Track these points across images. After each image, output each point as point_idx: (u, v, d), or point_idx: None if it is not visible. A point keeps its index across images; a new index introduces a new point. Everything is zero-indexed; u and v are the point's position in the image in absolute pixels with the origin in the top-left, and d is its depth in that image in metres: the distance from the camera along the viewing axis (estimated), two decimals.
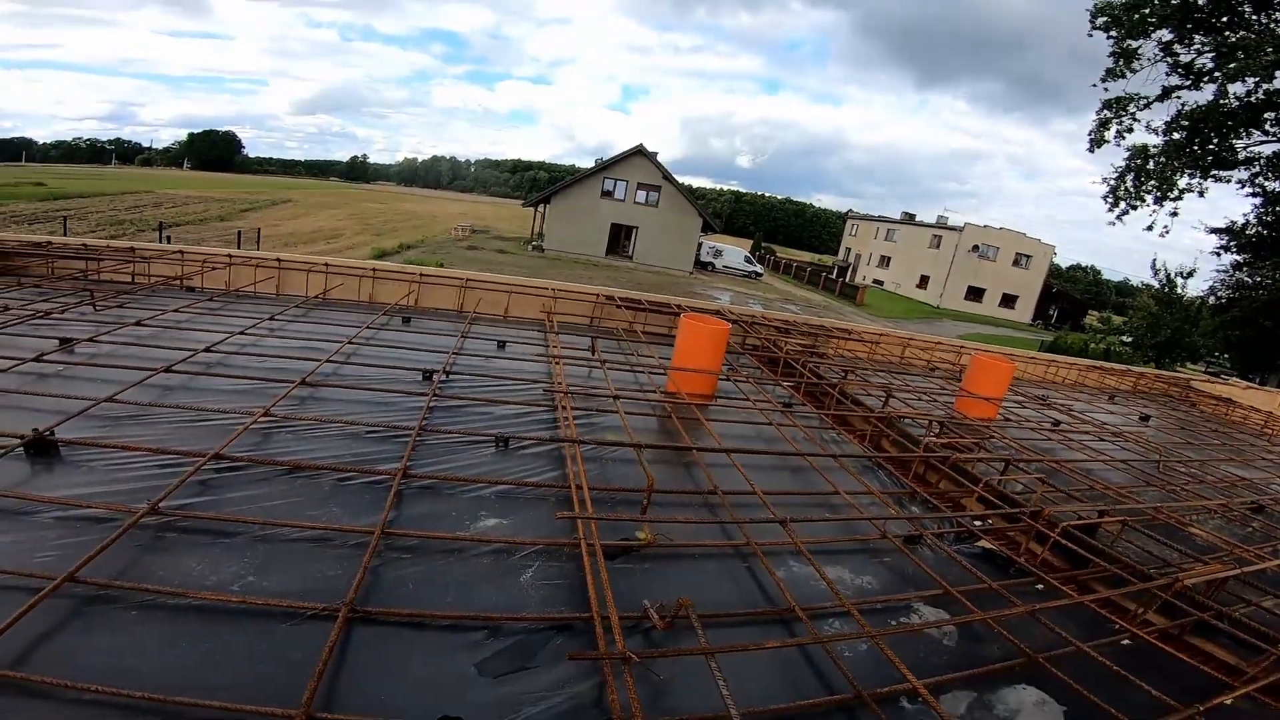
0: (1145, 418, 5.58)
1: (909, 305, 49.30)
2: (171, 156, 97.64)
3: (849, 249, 66.68)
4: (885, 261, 59.58)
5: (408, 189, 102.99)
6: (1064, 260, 69.33)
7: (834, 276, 53.21)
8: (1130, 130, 22.24)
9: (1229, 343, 29.75)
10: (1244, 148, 21.03)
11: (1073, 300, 55.65)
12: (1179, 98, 20.90)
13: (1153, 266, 28.13)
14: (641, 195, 37.72)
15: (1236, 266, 23.06)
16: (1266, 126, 20.30)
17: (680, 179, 43.46)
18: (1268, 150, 20.76)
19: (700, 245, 42.22)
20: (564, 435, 2.88)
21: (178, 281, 4.79)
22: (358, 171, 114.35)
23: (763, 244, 68.77)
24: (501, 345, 4.22)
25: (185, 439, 2.52)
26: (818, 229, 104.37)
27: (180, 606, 1.64)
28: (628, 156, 37.28)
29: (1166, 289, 27.70)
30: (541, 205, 38.81)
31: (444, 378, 3.44)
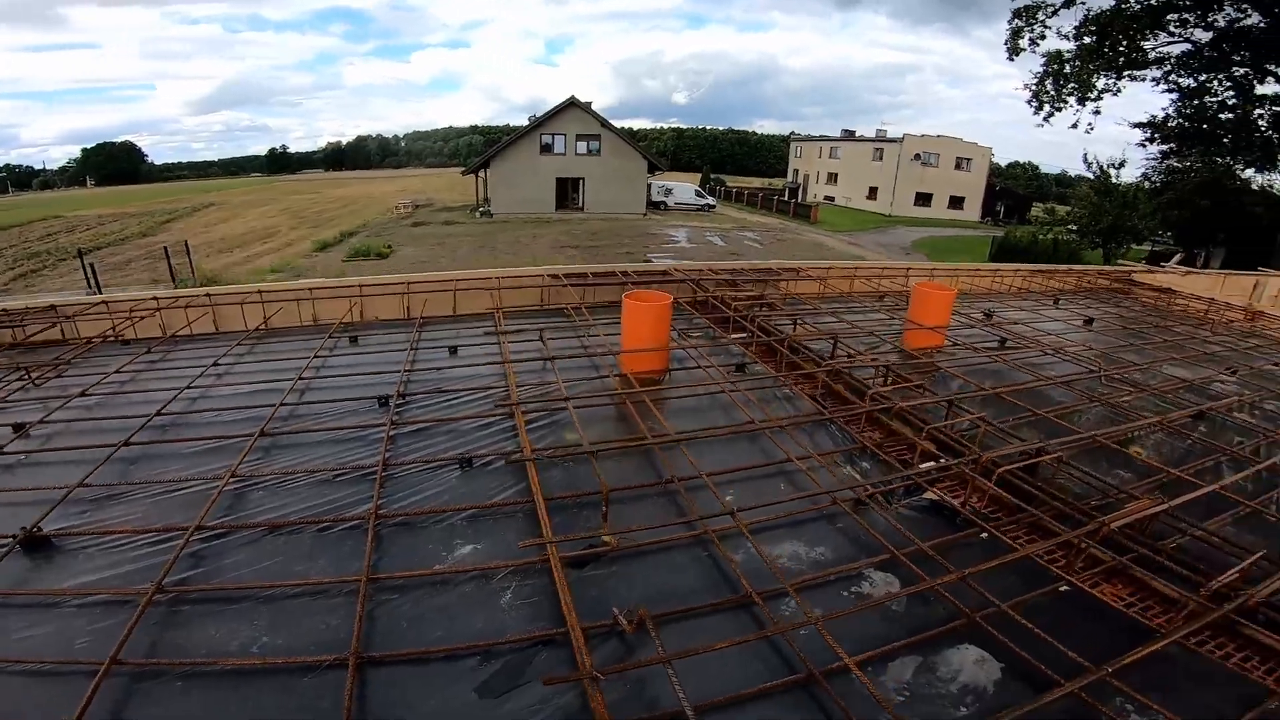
0: (1089, 321, 5.86)
1: (862, 217, 49.94)
2: (71, 176, 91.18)
3: (796, 170, 66.92)
4: (833, 178, 60.34)
5: (337, 174, 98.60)
6: (1002, 159, 70.27)
7: (786, 199, 53.61)
8: (1043, 37, 22.66)
9: (1168, 223, 31.04)
10: (1153, 49, 21.49)
11: (1017, 196, 56.94)
12: (1084, 3, 21.12)
13: (1084, 160, 29.28)
14: (582, 146, 37.02)
15: (1164, 155, 23.77)
16: (1171, 28, 20.68)
17: (619, 123, 42.66)
18: (1177, 50, 21.23)
19: (650, 186, 41.84)
20: (522, 449, 2.97)
21: (110, 335, 4.66)
22: (280, 163, 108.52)
23: (711, 176, 68.11)
24: (453, 351, 4.24)
25: (163, 513, 2.59)
26: (764, 154, 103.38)
27: (216, 673, 1.84)
28: (562, 110, 36.34)
29: (1102, 180, 28.65)
30: (482, 170, 37.69)
31: (400, 400, 3.49)
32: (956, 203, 54.82)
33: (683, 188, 46.20)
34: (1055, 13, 21.86)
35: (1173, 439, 3.46)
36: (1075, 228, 30.51)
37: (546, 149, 36.49)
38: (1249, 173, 25.03)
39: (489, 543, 2.45)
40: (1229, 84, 20.74)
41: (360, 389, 3.65)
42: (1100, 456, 3.21)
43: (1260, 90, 20.44)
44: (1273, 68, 19.67)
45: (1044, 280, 7.37)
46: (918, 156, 52.21)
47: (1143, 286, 7.45)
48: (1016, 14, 22.40)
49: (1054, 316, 5.98)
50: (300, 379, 3.75)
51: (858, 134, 61.07)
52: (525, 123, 40.65)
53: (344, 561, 2.31)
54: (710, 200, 46.68)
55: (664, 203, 43.68)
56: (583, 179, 37.62)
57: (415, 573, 2.24)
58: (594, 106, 37.45)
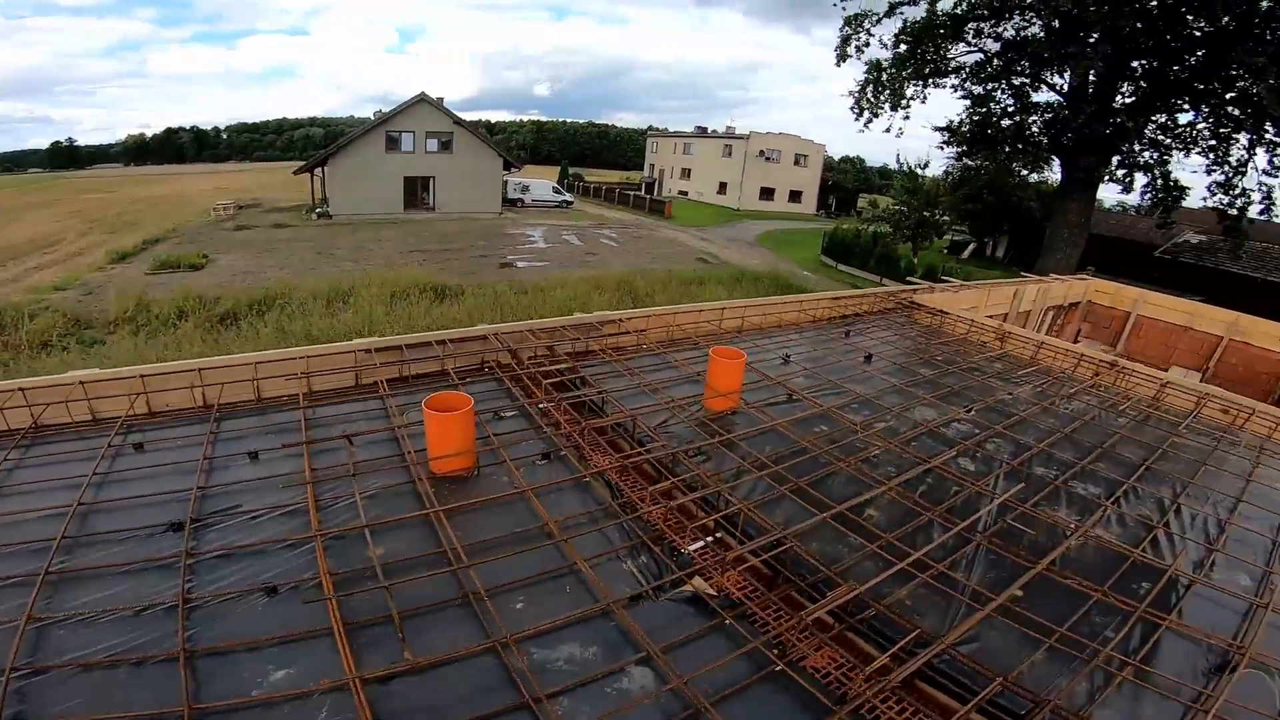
0: (868, 357, 6.71)
1: (713, 211, 52.49)
2: None
3: (653, 165, 68.74)
4: (686, 174, 62.81)
5: (140, 169, 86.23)
6: (835, 154, 76.84)
7: (643, 194, 54.94)
8: (867, 45, 24.88)
9: (963, 215, 35.88)
10: (954, 57, 24.41)
11: (846, 189, 62.50)
12: (902, 13, 23.48)
13: (897, 161, 33.12)
14: (433, 144, 35.55)
15: (959, 156, 27.17)
16: (968, 38, 23.62)
17: (478, 116, 41.74)
18: (971, 59, 24.30)
19: (506, 183, 41.01)
20: (322, 580, 2.95)
21: None
22: (66, 157, 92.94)
23: (569, 171, 68.00)
24: (254, 457, 4.02)
25: None
26: (623, 148, 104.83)
27: None
28: (411, 106, 34.61)
29: (910, 180, 32.48)
30: (319, 168, 34.80)
31: (197, 522, 3.32)
32: (795, 197, 59.43)
33: (540, 184, 45.77)
34: (879, 21, 24.13)
35: (900, 501, 4.10)
36: (890, 226, 34.31)
37: (394, 146, 34.58)
38: (1024, 171, 29.37)
39: (301, 667, 2.55)
40: (1010, 92, 24.00)
41: (149, 514, 3.41)
42: (843, 523, 3.77)
43: (1035, 98, 23.87)
44: (1047, 76, 23.04)
45: (844, 305, 8.32)
46: (762, 153, 55.76)
47: (922, 309, 8.63)
48: (847, 21, 24.46)
49: (843, 352, 6.78)
50: (78, 507, 3.39)
51: (710, 130, 63.91)
52: (371, 114, 38.24)
53: (163, 695, 2.36)
54: (568, 197, 46.70)
55: (521, 200, 43.06)
56: (434, 177, 36.08)
57: (232, 701, 2.35)
58: (452, 98, 36.35)
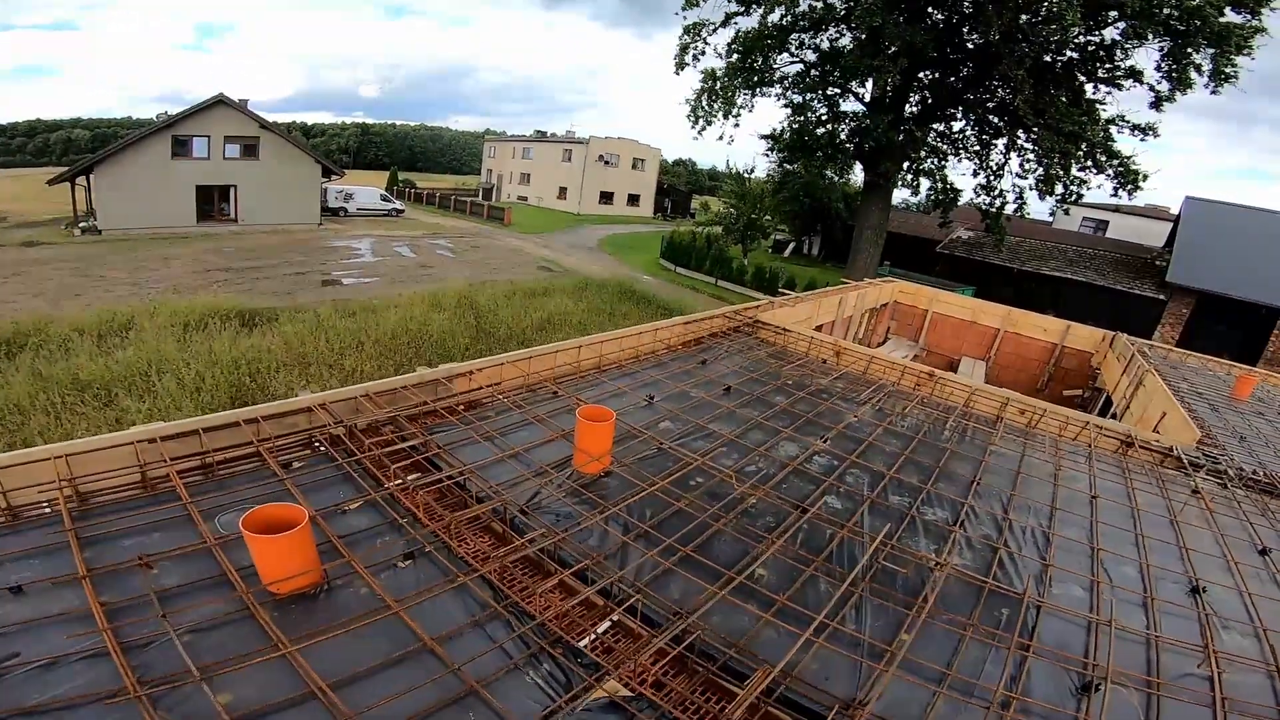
0: (727, 389, 6.66)
1: (554, 217, 51.96)
2: None
3: (490, 170, 66.57)
4: (526, 178, 61.55)
5: None
6: (670, 157, 79.84)
7: (480, 200, 52.93)
8: (703, 54, 25.81)
9: (785, 216, 38.82)
10: (778, 68, 26.07)
11: (680, 192, 65.10)
12: (737, 24, 24.59)
13: (727, 166, 35.01)
14: (233, 149, 31.25)
15: (780, 162, 29.15)
16: (792, 48, 25.30)
17: (293, 118, 37.06)
18: (793, 69, 26.09)
19: (326, 191, 37.20)
20: None
21: None
22: None
23: (399, 177, 63.61)
24: (17, 591, 2.87)
25: None
26: (458, 152, 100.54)
27: None
28: (206, 108, 30.07)
29: (738, 184, 34.40)
30: (83, 176, 28.96)
31: None
32: (634, 200, 60.74)
33: (366, 192, 42.16)
34: (715, 30, 25.01)
35: (782, 556, 3.97)
36: (721, 228, 36.17)
37: (183, 151, 29.83)
38: (833, 175, 32.26)
39: None
40: (824, 102, 26.06)
41: None
42: (738, 591, 3.54)
43: (844, 107, 26.16)
44: (853, 87, 25.27)
45: (696, 329, 8.30)
46: (602, 157, 56.20)
47: (766, 327, 8.89)
48: (686, 30, 25.08)
49: (703, 384, 6.69)
50: None
51: (550, 134, 63.23)
52: (155, 118, 32.72)
53: None
54: (398, 204, 43.58)
55: (344, 209, 39.36)
56: (235, 186, 31.66)
57: None
58: (263, 99, 32.32)
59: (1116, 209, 36.55)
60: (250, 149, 31.59)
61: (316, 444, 4.70)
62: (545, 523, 3.99)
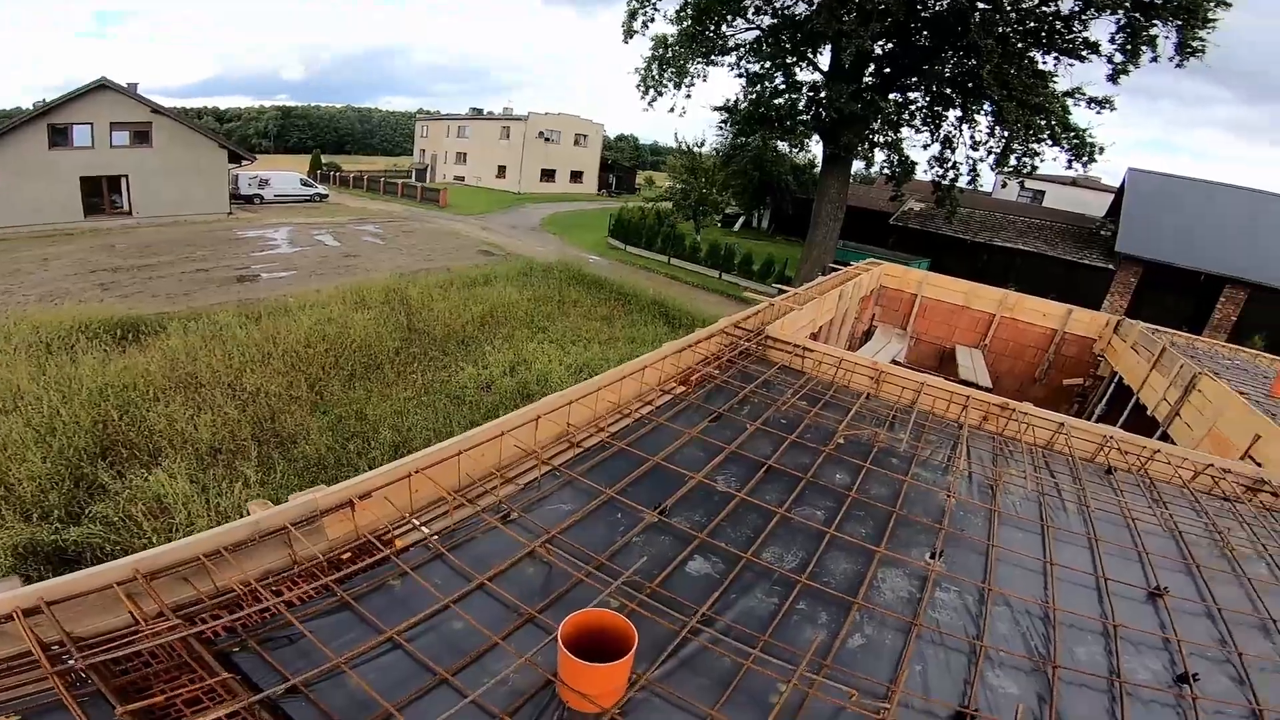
0: (765, 470, 4.32)
1: (493, 197, 48.25)
2: None
3: (424, 150, 61.70)
4: (462, 158, 57.30)
5: None
6: (613, 133, 76.33)
7: (414, 182, 48.62)
8: (653, 20, 22.99)
9: (735, 191, 36.58)
10: (732, 35, 23.47)
11: (624, 168, 62.06)
12: None
13: (676, 140, 32.35)
14: (122, 137, 26.75)
15: (737, 134, 26.75)
16: (749, 14, 22.73)
17: (208, 103, 32.43)
18: (750, 36, 23.53)
19: (237, 178, 32.66)
20: None
21: None
22: None
23: (322, 160, 57.95)
24: None
25: None
26: (389, 133, 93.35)
27: None
28: (88, 93, 25.48)
29: (689, 159, 31.85)
30: None
31: None
32: (577, 177, 57.43)
33: (284, 176, 37.47)
34: None
35: None
36: (671, 204, 33.68)
37: (62, 141, 25.19)
38: (784, 147, 30.09)
39: None
40: (781, 70, 23.72)
41: None
42: None
43: (801, 77, 23.88)
44: (811, 55, 23.02)
45: (690, 356, 5.86)
46: (542, 134, 52.66)
47: (779, 346, 6.56)
48: None
49: (718, 458, 4.32)
50: None
51: (486, 112, 58.85)
52: (31, 107, 27.65)
53: None
54: (321, 189, 39.06)
55: (259, 196, 34.78)
56: (126, 176, 27.09)
57: None
58: (175, 85, 28.63)
59: (1052, 179, 35.99)
60: (142, 136, 26.97)
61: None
62: None
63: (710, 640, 2.69)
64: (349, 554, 3.18)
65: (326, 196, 38.89)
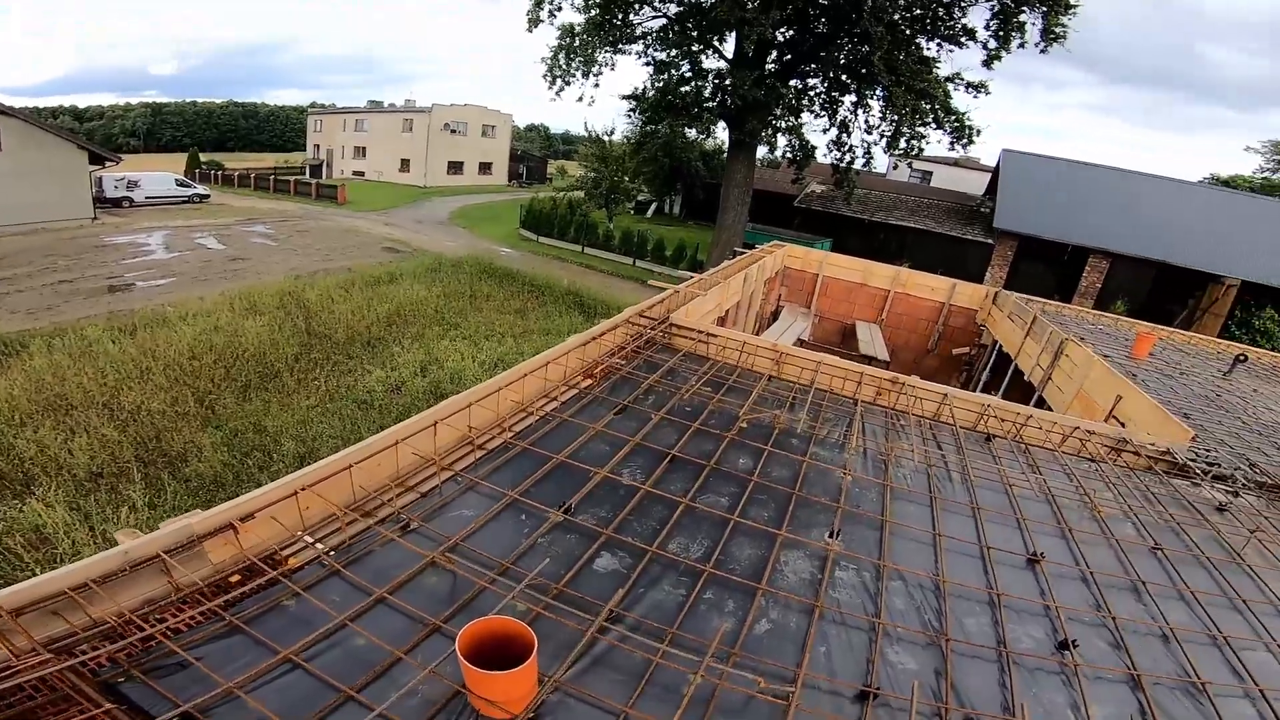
0: (669, 459, 4.34)
1: (397, 191, 46.09)
2: None
3: (318, 146, 57.89)
4: (361, 152, 54.31)
5: None
6: (522, 123, 74.50)
7: (308, 179, 45.54)
8: (560, 9, 22.47)
9: (647, 178, 36.69)
10: (640, 24, 23.32)
11: (535, 158, 60.87)
12: None
13: (585, 129, 32.05)
14: None
15: (645, 122, 26.74)
16: (655, 2, 22.61)
17: (64, 101, 28.69)
18: (656, 24, 23.46)
19: (101, 180, 29.41)
20: None
21: None
22: None
23: (201, 158, 53.13)
24: None
25: None
26: (278, 128, 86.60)
27: None
28: None
29: (600, 147, 31.63)
30: None
31: None
32: (486, 169, 55.84)
33: (156, 177, 34.07)
34: None
35: None
36: (583, 192, 33.41)
37: None
38: (692, 134, 30.38)
39: None
40: (686, 58, 23.84)
41: None
42: None
43: (706, 64, 24.10)
44: (716, 43, 23.25)
45: (596, 348, 5.81)
46: (447, 126, 50.70)
47: (684, 333, 6.64)
48: None
49: (623, 449, 4.32)
50: None
51: (387, 104, 55.86)
52: None
53: None
54: (200, 189, 35.87)
55: (128, 199, 31.49)
56: None
57: None
58: (23, 85, 25.64)
59: (938, 160, 38.50)
60: None
61: None
62: None
63: (619, 637, 2.69)
64: (237, 576, 2.94)
65: (208, 197, 35.69)
